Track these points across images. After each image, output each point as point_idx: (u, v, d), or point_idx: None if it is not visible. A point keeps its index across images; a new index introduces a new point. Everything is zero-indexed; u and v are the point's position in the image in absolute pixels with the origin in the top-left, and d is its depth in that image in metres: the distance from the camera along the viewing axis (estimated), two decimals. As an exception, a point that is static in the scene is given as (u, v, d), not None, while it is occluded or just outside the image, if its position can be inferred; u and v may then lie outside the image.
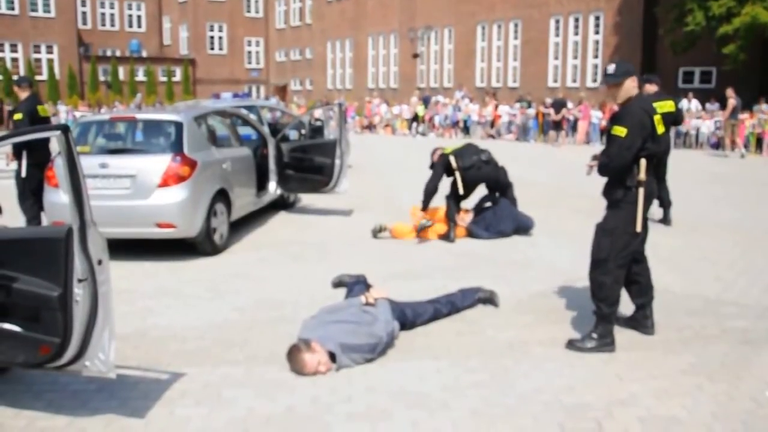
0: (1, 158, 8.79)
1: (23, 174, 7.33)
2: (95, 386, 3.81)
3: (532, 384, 3.85)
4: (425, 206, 7.79)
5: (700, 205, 9.90)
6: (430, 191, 7.77)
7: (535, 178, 12.41)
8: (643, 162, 4.15)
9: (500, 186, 8.06)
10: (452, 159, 7.79)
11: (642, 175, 4.16)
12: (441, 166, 7.85)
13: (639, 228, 4.22)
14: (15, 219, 7.32)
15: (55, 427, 3.42)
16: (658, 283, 4.77)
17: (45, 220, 7.48)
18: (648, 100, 4.45)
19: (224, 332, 4.73)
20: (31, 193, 7.40)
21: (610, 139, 4.23)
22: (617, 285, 4.31)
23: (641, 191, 4.18)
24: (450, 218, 7.64)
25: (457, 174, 7.74)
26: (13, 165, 7.49)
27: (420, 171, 14.01)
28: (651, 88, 8.07)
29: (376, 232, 7.76)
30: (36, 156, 7.36)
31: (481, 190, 8.24)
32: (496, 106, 24.97)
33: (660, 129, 4.21)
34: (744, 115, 18.56)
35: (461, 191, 7.78)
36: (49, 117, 8.11)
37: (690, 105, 20.52)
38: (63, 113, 28.96)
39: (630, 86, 4.23)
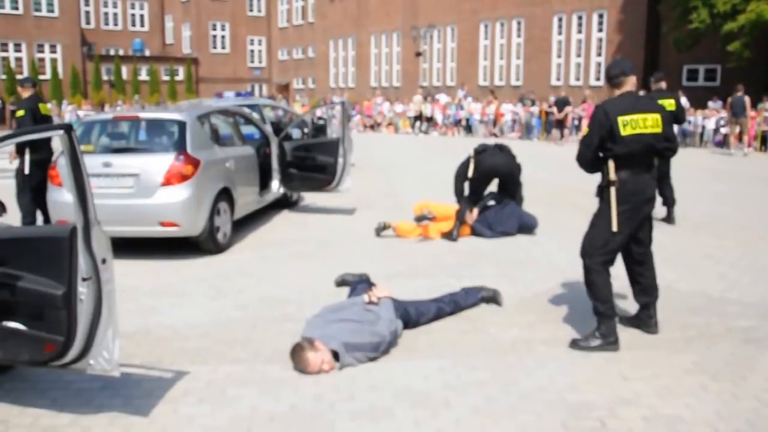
0: (2, 158, 8.77)
1: (26, 171, 7.36)
2: (99, 384, 3.82)
3: (536, 383, 3.84)
4: (457, 194, 7.86)
5: (704, 203, 9.88)
6: (456, 177, 7.90)
7: (538, 177, 12.38)
8: (610, 162, 4.27)
9: (512, 181, 8.07)
10: (472, 150, 7.99)
11: (611, 176, 4.27)
12: (467, 158, 8.02)
13: (615, 227, 4.27)
14: (18, 218, 7.35)
15: (60, 425, 3.43)
16: (662, 282, 4.76)
17: (40, 218, 7.50)
18: (624, 101, 4.36)
19: (227, 330, 4.74)
20: (30, 191, 7.41)
21: None
22: (602, 282, 4.33)
23: (613, 191, 4.26)
24: (458, 217, 7.63)
25: (471, 160, 7.84)
26: (16, 163, 7.53)
27: (423, 169, 14.05)
28: (654, 85, 8.06)
29: (380, 231, 7.77)
30: (37, 154, 7.38)
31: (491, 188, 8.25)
32: (498, 105, 24.95)
33: (627, 130, 4.21)
34: (750, 113, 18.47)
35: (470, 174, 7.79)
36: (50, 115, 8.23)
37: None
38: (68, 113, 29.04)
39: (607, 87, 4.47)
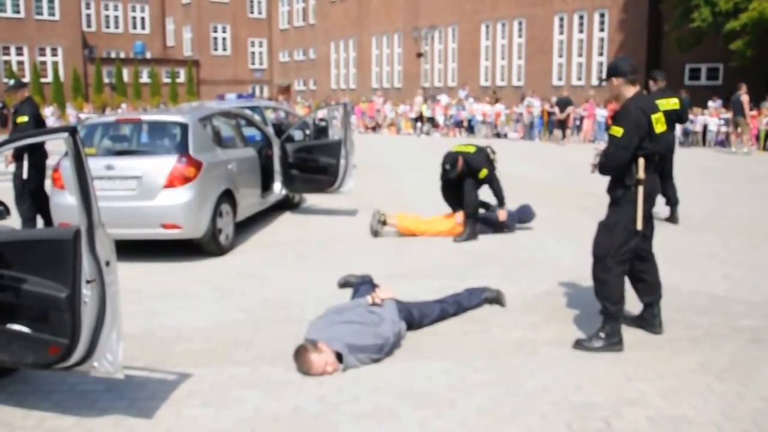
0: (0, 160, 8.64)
1: (25, 176, 7.30)
2: (103, 386, 3.82)
3: (540, 383, 3.83)
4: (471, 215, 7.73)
5: (708, 202, 9.86)
6: (476, 203, 7.71)
7: (540, 177, 12.38)
8: (641, 161, 4.18)
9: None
10: (490, 155, 7.75)
11: (641, 174, 4.19)
12: (492, 169, 7.73)
13: (640, 226, 4.23)
14: (18, 222, 7.35)
15: (64, 427, 3.42)
16: (666, 282, 4.74)
17: (40, 221, 7.49)
18: (648, 98, 4.43)
19: (231, 332, 4.73)
20: (29, 195, 7.37)
21: (608, 139, 4.29)
22: (619, 282, 4.30)
23: (641, 189, 4.21)
24: (471, 217, 7.61)
25: (496, 165, 7.76)
26: (12, 167, 7.47)
27: (424, 170, 14.03)
28: (655, 85, 8.03)
29: (376, 224, 7.71)
30: (35, 158, 7.34)
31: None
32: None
33: (659, 128, 4.19)
34: (752, 112, 18.45)
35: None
36: (44, 119, 8.13)
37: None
38: (72, 116, 29.09)
39: (617, 85, 4.29)
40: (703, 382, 3.83)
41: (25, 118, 7.33)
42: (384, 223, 7.79)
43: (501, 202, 7.73)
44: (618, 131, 4.16)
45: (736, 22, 19.15)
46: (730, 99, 18.12)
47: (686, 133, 19.91)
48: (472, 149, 7.74)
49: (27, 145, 6.75)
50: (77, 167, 3.15)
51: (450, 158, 7.58)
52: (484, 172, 7.57)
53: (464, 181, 7.59)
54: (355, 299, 4.84)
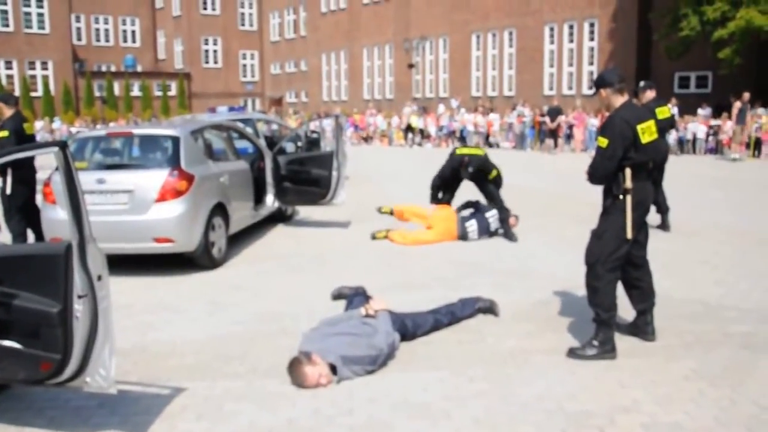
0: None
1: (8, 191, 7.23)
2: (96, 402, 3.79)
3: (534, 392, 3.84)
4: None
5: (699, 209, 9.91)
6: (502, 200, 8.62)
7: (532, 186, 12.43)
8: (628, 171, 4.23)
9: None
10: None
11: (628, 184, 4.23)
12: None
13: (629, 235, 4.26)
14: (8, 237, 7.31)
15: (56, 445, 3.40)
16: (658, 289, 4.77)
17: (31, 236, 7.45)
18: (638, 109, 4.47)
19: (224, 346, 4.72)
20: (16, 210, 7.30)
21: (595, 149, 4.35)
22: (610, 289, 4.33)
23: (629, 199, 4.25)
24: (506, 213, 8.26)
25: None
26: None
27: (417, 180, 14.05)
28: (651, 94, 8.10)
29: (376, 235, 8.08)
30: (21, 173, 7.26)
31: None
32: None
33: (645, 138, 4.23)
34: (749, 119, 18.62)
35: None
36: (34, 134, 7.93)
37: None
38: (64, 130, 28.99)
39: (605, 96, 4.36)
40: (696, 388, 3.84)
41: (5, 133, 7.18)
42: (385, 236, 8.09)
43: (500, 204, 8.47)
44: (603, 142, 4.24)
45: (724, 31, 19.35)
46: (741, 107, 18.23)
47: (681, 141, 20.05)
48: (482, 152, 8.71)
49: (10, 160, 6.69)
50: (68, 182, 3.14)
51: (478, 160, 8.43)
52: (494, 173, 8.50)
53: (485, 183, 8.54)
54: (348, 311, 4.84)
